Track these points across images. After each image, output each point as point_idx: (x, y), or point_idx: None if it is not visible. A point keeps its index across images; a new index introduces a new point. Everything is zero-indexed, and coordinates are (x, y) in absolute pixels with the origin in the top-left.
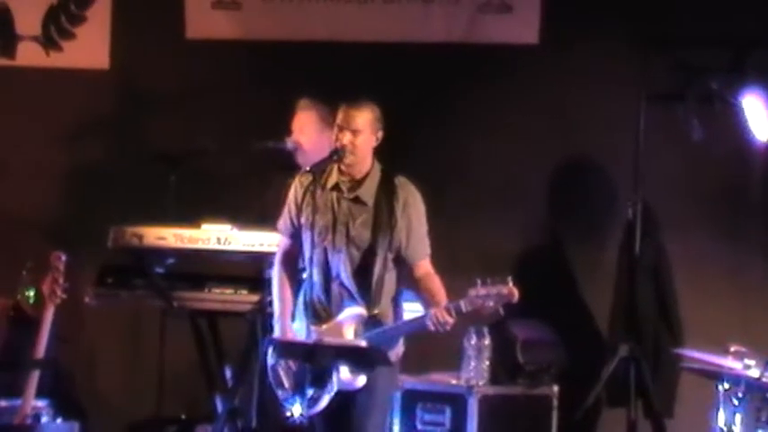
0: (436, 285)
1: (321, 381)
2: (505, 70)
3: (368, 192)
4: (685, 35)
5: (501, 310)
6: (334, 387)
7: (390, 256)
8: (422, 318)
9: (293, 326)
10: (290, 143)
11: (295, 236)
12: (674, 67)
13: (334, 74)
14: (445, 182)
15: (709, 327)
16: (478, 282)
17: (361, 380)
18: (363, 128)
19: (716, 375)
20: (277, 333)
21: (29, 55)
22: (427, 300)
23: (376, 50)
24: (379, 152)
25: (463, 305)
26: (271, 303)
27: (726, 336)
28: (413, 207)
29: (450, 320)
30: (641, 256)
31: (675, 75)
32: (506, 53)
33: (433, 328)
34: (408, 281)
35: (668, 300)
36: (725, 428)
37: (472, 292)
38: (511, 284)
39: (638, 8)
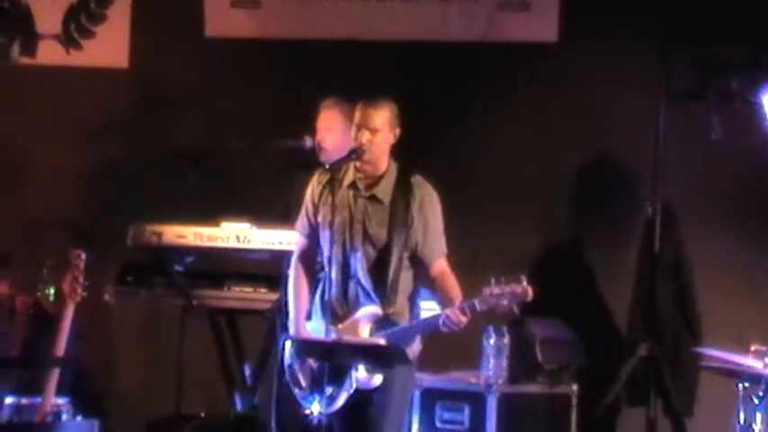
0: (451, 284)
1: (339, 379)
2: (524, 68)
3: (384, 190)
4: (704, 32)
5: (516, 309)
6: (352, 385)
7: (406, 255)
8: (435, 318)
9: (309, 324)
10: (308, 142)
11: (312, 235)
12: (694, 64)
13: (353, 72)
14: (463, 180)
15: (729, 325)
16: (492, 280)
17: (378, 379)
18: (382, 126)
19: (736, 374)
20: (292, 332)
21: (49, 53)
22: (442, 299)
23: (394, 49)
24: (396, 151)
25: (477, 304)
26: (286, 303)
27: (746, 334)
28: (429, 206)
29: (464, 320)
30: (661, 255)
31: (695, 73)
32: (525, 51)
33: (445, 328)
34: (425, 280)
35: (688, 298)
36: (745, 427)
37: (486, 291)
38: (525, 283)
39: (657, 5)
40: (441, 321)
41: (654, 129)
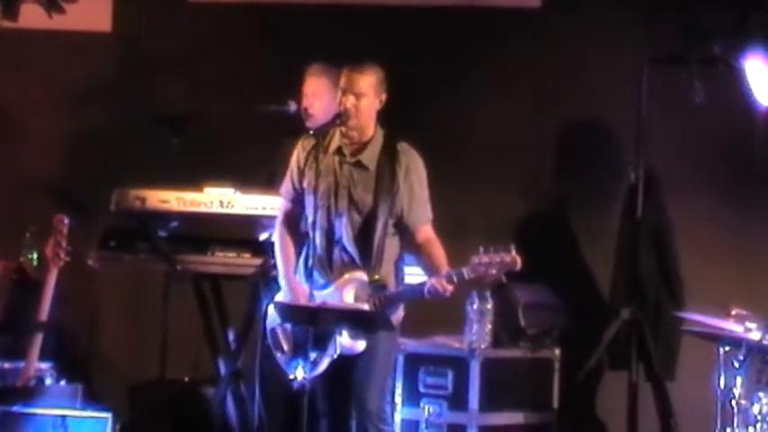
0: (436, 251)
1: (322, 344)
2: (508, 34)
3: (370, 156)
4: None
5: (503, 277)
6: (336, 350)
7: (392, 222)
8: (420, 286)
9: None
10: (293, 107)
11: (296, 200)
12: (677, 29)
13: (338, 37)
14: (448, 146)
15: (711, 290)
16: (481, 249)
17: (361, 344)
18: (367, 91)
19: (717, 338)
20: (284, 291)
21: (31, 17)
22: (428, 266)
23: (380, 13)
24: (381, 117)
25: (465, 272)
26: (274, 266)
27: (728, 298)
28: (414, 173)
29: (450, 288)
30: (643, 220)
31: (678, 37)
32: (509, 17)
33: (430, 296)
34: (410, 246)
35: (670, 263)
36: (726, 391)
37: (475, 260)
38: (514, 252)
39: None
40: (426, 290)
41: (637, 94)
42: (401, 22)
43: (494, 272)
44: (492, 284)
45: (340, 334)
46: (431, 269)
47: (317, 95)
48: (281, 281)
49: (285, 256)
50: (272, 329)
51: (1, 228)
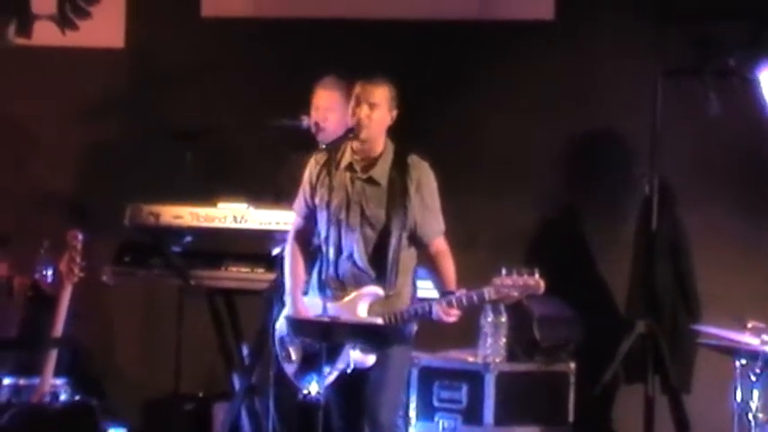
0: (446, 266)
1: (334, 356)
2: (521, 47)
3: (381, 171)
4: (702, 9)
5: (525, 300)
6: (349, 364)
7: (405, 235)
8: (428, 312)
9: (306, 299)
10: (305, 121)
11: (309, 217)
12: (692, 41)
13: (349, 51)
14: (462, 159)
15: (726, 302)
16: (503, 270)
17: (372, 357)
18: (380, 102)
19: (733, 351)
20: (288, 308)
21: (45, 34)
22: (436, 282)
23: (390, 28)
24: (394, 130)
25: (487, 294)
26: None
27: (744, 311)
28: (426, 186)
29: (454, 312)
30: (658, 232)
31: (692, 49)
32: (521, 29)
33: (436, 319)
34: (423, 259)
35: (686, 275)
36: (742, 404)
37: (497, 282)
38: (538, 276)
39: None
40: (433, 316)
41: (651, 106)
42: (412, 36)
43: (516, 294)
44: (511, 305)
45: (354, 348)
46: (438, 286)
47: (330, 109)
48: (287, 297)
49: (294, 273)
50: (281, 338)
51: (16, 243)
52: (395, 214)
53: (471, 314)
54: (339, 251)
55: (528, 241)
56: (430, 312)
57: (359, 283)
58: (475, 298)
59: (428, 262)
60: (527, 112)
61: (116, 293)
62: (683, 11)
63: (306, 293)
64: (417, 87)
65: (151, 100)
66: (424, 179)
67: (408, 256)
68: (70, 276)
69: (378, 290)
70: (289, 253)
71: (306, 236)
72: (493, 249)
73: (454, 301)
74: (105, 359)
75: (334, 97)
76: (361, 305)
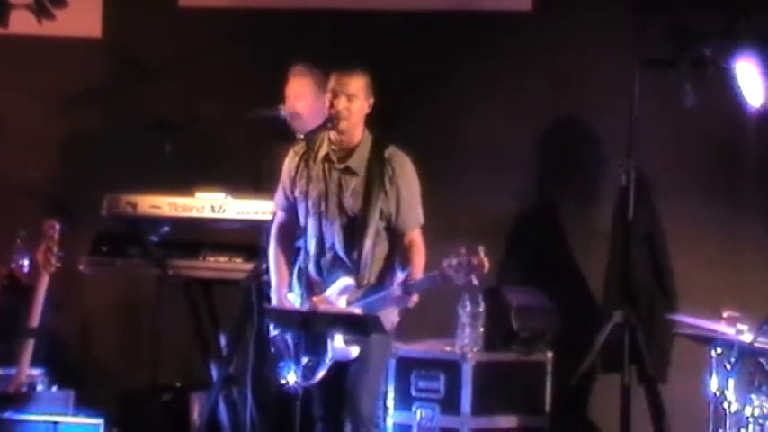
0: (415, 260)
1: (316, 349)
2: (499, 37)
3: (359, 161)
4: (679, 0)
5: (475, 280)
6: (329, 356)
7: (382, 226)
8: (391, 297)
9: (290, 296)
10: (284, 111)
11: (290, 209)
12: (668, 32)
13: (327, 42)
14: (439, 149)
15: (703, 292)
16: (453, 253)
17: (355, 350)
18: (358, 92)
19: (709, 340)
20: (274, 303)
21: (21, 23)
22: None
23: (370, 19)
24: (371, 120)
25: (438, 276)
26: (266, 271)
27: (719, 300)
28: (403, 177)
29: (410, 298)
30: (635, 222)
31: (669, 40)
32: (500, 20)
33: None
34: (399, 250)
35: (662, 265)
36: (718, 393)
37: (445, 263)
38: (482, 255)
39: None
40: (395, 302)
41: (628, 96)
42: (392, 26)
43: (463, 274)
44: (468, 288)
45: (332, 339)
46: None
47: (300, 97)
48: (272, 293)
49: (278, 268)
50: (275, 338)
51: None
52: (371, 205)
53: (449, 304)
54: (321, 243)
55: (506, 232)
56: (393, 301)
57: (339, 274)
58: (426, 281)
59: (402, 254)
60: (505, 102)
61: (93, 283)
62: (661, 1)
63: (290, 289)
64: (396, 78)
65: (129, 90)
66: (401, 170)
67: (385, 247)
68: (47, 266)
69: (352, 281)
70: (272, 249)
71: (288, 229)
72: (472, 240)
73: (408, 285)
74: (82, 349)
75: (302, 85)
76: (340, 298)
